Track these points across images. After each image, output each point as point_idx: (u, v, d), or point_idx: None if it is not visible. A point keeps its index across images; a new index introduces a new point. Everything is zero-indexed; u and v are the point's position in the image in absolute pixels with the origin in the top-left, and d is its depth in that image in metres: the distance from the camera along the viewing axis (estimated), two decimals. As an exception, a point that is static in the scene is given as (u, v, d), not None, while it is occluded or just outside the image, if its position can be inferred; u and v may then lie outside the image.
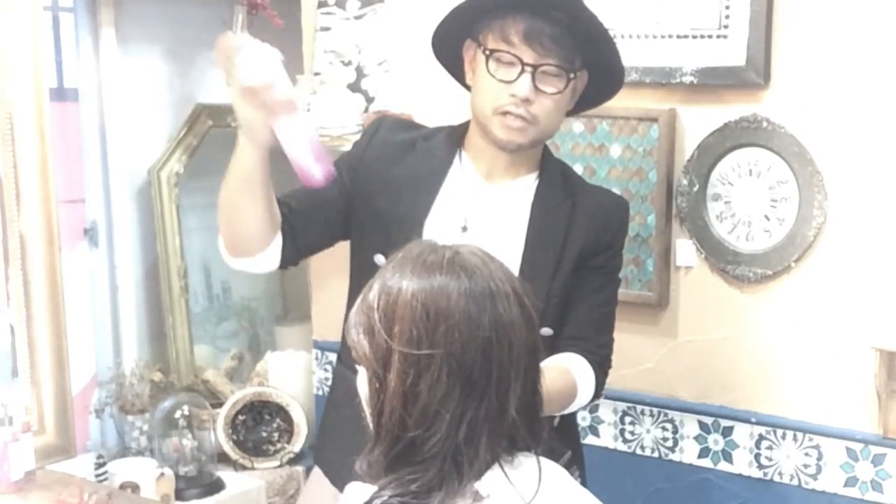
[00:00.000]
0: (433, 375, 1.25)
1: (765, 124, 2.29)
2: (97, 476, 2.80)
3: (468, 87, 1.96)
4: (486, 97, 1.84)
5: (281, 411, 3.15)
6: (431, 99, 2.78)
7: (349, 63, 2.85)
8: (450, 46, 1.94)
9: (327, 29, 2.88)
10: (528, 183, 1.93)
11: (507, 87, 1.81)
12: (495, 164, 1.91)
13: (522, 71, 1.80)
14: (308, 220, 1.94)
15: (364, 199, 1.93)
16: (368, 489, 1.30)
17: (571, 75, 1.84)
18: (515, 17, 1.80)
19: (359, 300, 1.34)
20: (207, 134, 3.24)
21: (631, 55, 2.44)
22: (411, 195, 1.90)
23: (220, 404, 3.12)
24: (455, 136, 1.95)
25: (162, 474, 2.79)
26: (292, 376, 3.21)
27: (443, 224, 1.88)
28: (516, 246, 1.88)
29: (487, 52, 1.82)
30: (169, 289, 3.18)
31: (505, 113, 1.82)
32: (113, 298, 3.10)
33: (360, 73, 2.83)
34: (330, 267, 3.06)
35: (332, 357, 3.09)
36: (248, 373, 3.32)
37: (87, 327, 3.01)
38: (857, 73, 2.20)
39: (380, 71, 2.81)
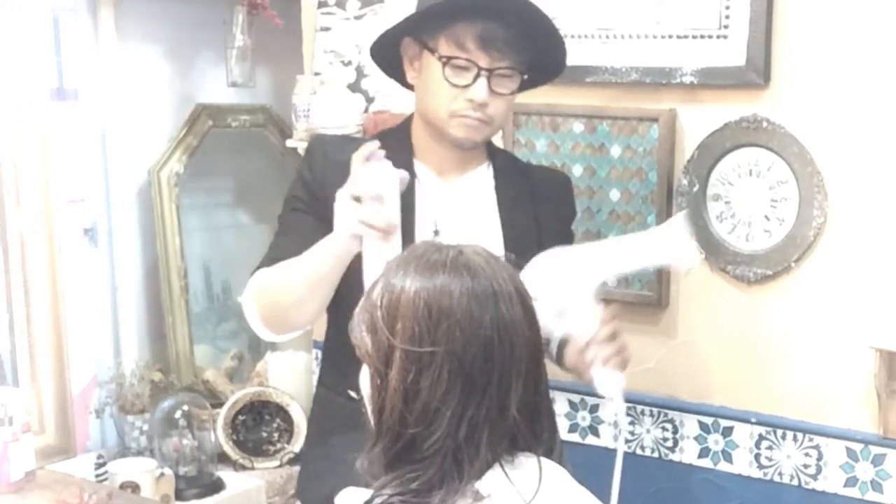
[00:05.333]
0: (434, 373, 1.25)
1: (765, 124, 2.29)
2: (97, 476, 2.80)
3: (408, 86, 1.97)
4: (440, 101, 1.86)
5: (281, 411, 3.15)
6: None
7: (349, 63, 2.85)
8: (386, 46, 1.94)
9: (327, 29, 2.88)
10: (482, 174, 1.98)
11: (462, 91, 1.84)
12: (447, 161, 1.94)
13: (478, 76, 1.82)
14: None
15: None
16: (363, 494, 1.31)
17: (525, 76, 1.89)
18: (469, 22, 1.81)
19: (363, 298, 1.34)
20: (207, 134, 3.24)
21: (631, 55, 2.44)
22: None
23: (220, 404, 3.12)
24: (404, 145, 1.95)
25: (162, 474, 2.79)
26: (292, 376, 3.21)
27: (419, 232, 1.89)
28: (494, 236, 1.92)
29: (444, 59, 1.83)
30: (169, 289, 3.18)
31: (462, 115, 1.85)
32: (113, 298, 3.10)
33: (360, 73, 2.83)
34: (330, 267, 3.06)
35: (332, 357, 3.09)
36: (248, 373, 3.32)
37: (87, 327, 3.00)
38: (858, 72, 2.20)
39: (380, 71, 2.81)
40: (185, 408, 2.98)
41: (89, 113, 2.99)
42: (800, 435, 2.34)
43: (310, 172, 1.97)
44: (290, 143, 2.92)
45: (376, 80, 2.81)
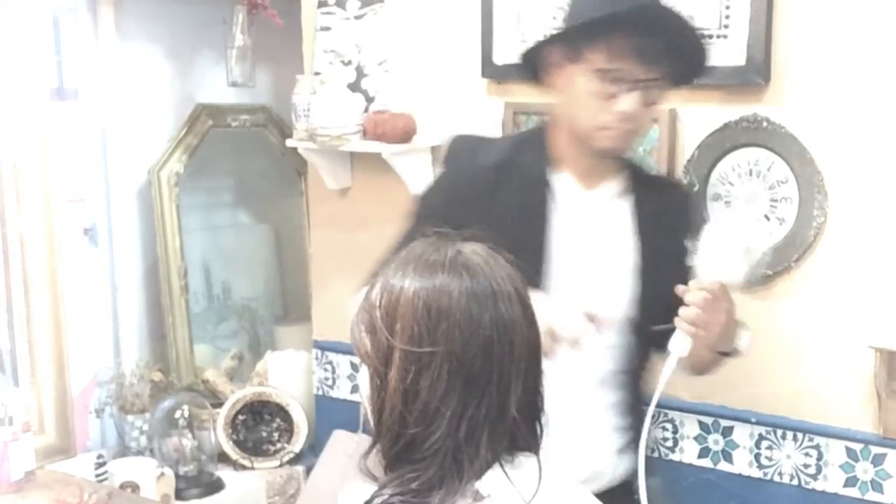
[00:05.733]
0: (434, 373, 1.25)
1: (765, 124, 2.29)
2: (97, 476, 2.80)
3: (539, 86, 1.96)
4: (588, 113, 1.83)
5: (281, 411, 3.15)
6: (431, 99, 2.79)
7: (349, 63, 2.85)
8: (533, 52, 1.92)
9: (327, 29, 2.88)
10: (622, 182, 1.96)
11: (611, 103, 1.81)
12: (590, 168, 1.91)
13: (631, 88, 1.80)
14: None
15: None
16: (368, 487, 1.30)
17: (669, 85, 1.87)
18: (625, 34, 1.78)
19: (362, 299, 1.34)
20: (207, 134, 3.24)
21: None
22: (523, 229, 1.88)
23: (220, 404, 3.12)
24: (539, 154, 1.93)
25: (162, 474, 2.79)
26: (292, 376, 3.21)
27: (555, 239, 1.88)
28: (628, 250, 1.92)
29: (599, 72, 1.80)
30: (169, 289, 3.18)
31: (610, 127, 1.83)
32: (113, 298, 3.10)
33: (360, 72, 2.83)
34: (330, 267, 3.06)
35: (333, 357, 3.10)
36: (248, 373, 3.32)
37: (87, 327, 3.00)
38: (858, 72, 2.20)
39: (380, 71, 2.81)
40: (185, 408, 2.99)
41: (89, 113, 2.99)
42: (800, 435, 2.34)
43: (446, 178, 1.98)
44: (290, 142, 2.92)
45: (376, 79, 2.81)
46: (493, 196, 1.90)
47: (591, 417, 1.97)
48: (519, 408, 1.29)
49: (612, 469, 1.98)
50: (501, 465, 1.29)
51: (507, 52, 2.61)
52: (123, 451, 2.99)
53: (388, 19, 2.80)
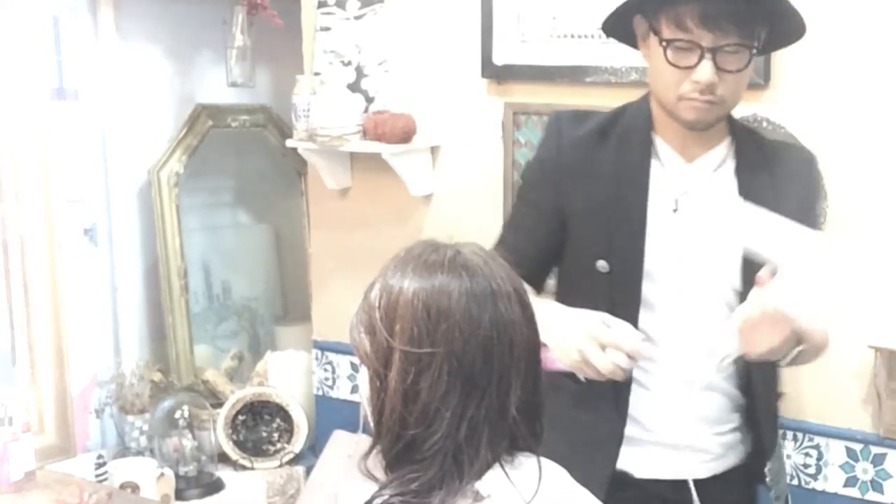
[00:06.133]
0: (434, 374, 1.25)
1: (765, 124, 2.29)
2: (97, 476, 2.80)
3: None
4: (667, 84, 1.76)
5: (281, 411, 3.15)
6: (431, 99, 2.79)
7: (349, 63, 2.85)
8: (619, 22, 1.84)
9: (327, 29, 2.88)
10: (723, 151, 1.85)
11: (687, 73, 1.72)
12: (687, 138, 1.82)
13: (702, 56, 1.70)
14: (545, 264, 1.93)
15: (574, 208, 1.87)
16: (368, 488, 1.30)
17: (754, 50, 1.74)
18: (689, 1, 1.69)
19: (361, 300, 1.34)
20: (207, 134, 3.24)
21: (631, 55, 2.43)
22: (623, 190, 1.83)
23: (220, 404, 3.12)
24: (642, 119, 1.86)
25: (162, 474, 2.79)
26: (292, 376, 3.21)
27: (655, 210, 1.82)
28: (733, 216, 1.78)
29: (664, 43, 1.73)
30: (169, 289, 3.18)
31: (689, 98, 1.74)
32: (113, 298, 3.10)
33: (360, 73, 2.83)
34: (330, 267, 3.06)
35: (332, 357, 3.10)
36: (248, 373, 3.32)
37: (87, 327, 3.01)
38: (858, 72, 2.20)
39: (380, 71, 2.81)
40: (185, 408, 2.99)
41: (89, 113, 2.99)
42: (800, 435, 2.33)
43: (545, 150, 1.92)
44: (290, 142, 2.92)
45: (376, 80, 2.81)
46: (593, 161, 1.85)
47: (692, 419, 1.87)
48: (519, 408, 1.29)
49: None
50: (501, 466, 1.28)
51: (507, 52, 2.61)
52: (123, 451, 2.99)
53: (388, 19, 2.80)
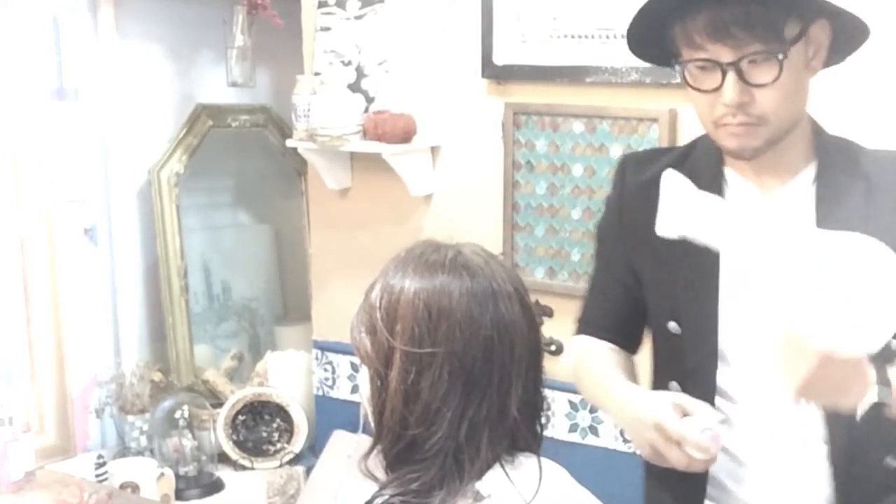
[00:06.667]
0: (434, 374, 1.25)
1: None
2: (97, 476, 2.80)
3: None
4: (701, 112, 1.56)
5: (281, 411, 3.15)
6: (431, 99, 2.79)
7: (349, 63, 2.85)
8: (650, 46, 1.63)
9: (327, 29, 2.88)
10: (807, 178, 1.59)
11: (716, 95, 1.51)
12: (758, 167, 1.58)
13: (723, 73, 1.49)
14: (633, 326, 1.77)
15: (640, 264, 1.70)
16: (368, 487, 1.30)
17: (780, 55, 1.48)
18: (694, 14, 1.49)
19: (362, 300, 1.34)
20: (207, 134, 3.24)
21: (631, 55, 2.44)
22: (689, 241, 1.62)
23: (220, 404, 3.12)
24: (713, 151, 1.63)
25: (162, 474, 2.79)
26: (292, 376, 3.21)
27: (726, 259, 1.60)
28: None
29: (680, 66, 1.54)
30: (169, 289, 3.18)
31: (724, 124, 1.53)
32: (113, 298, 3.10)
33: (360, 73, 2.83)
34: (330, 267, 3.06)
35: (333, 357, 3.10)
36: (248, 373, 3.32)
37: (87, 327, 3.01)
38: (857, 73, 2.20)
39: (380, 71, 2.81)
40: (185, 408, 2.99)
41: (89, 113, 2.99)
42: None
43: (610, 200, 1.77)
44: (290, 143, 2.92)
45: (376, 80, 2.81)
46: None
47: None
48: (519, 408, 1.29)
49: None
50: (502, 466, 1.29)
51: (508, 52, 2.61)
52: (123, 451, 2.99)
53: (388, 19, 2.80)
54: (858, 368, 1.37)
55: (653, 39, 1.59)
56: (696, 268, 1.62)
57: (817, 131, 1.63)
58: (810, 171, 1.59)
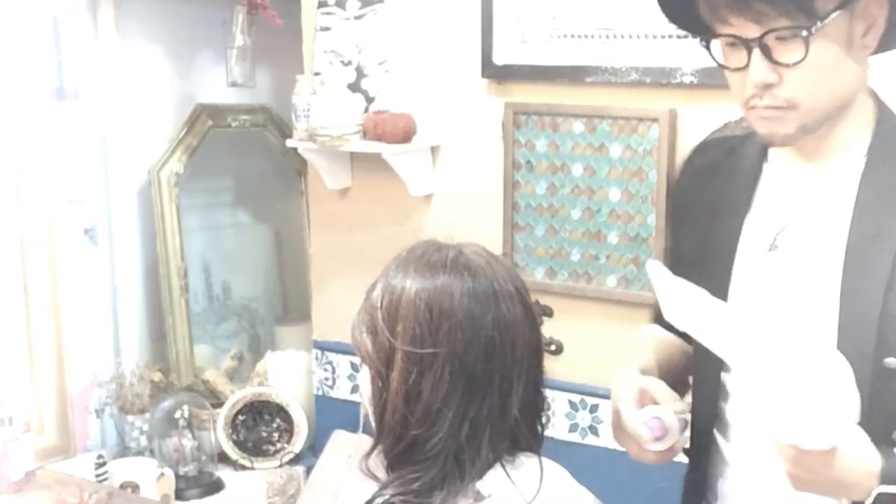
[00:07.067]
0: (436, 374, 1.25)
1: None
2: (97, 476, 2.80)
3: None
4: (734, 92, 1.44)
5: (281, 411, 3.15)
6: (431, 99, 2.79)
7: (349, 63, 2.85)
8: (687, 19, 1.49)
9: (327, 29, 2.88)
10: (856, 154, 1.44)
11: (745, 74, 1.38)
12: (804, 146, 1.45)
13: (749, 50, 1.36)
14: None
15: (680, 252, 1.65)
16: (368, 487, 1.30)
17: (804, 32, 1.33)
18: None
19: (363, 300, 1.34)
20: (207, 134, 3.24)
21: (631, 55, 2.44)
22: (714, 228, 1.54)
23: (220, 404, 3.12)
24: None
25: (162, 474, 2.79)
26: (292, 376, 3.21)
27: (747, 249, 1.51)
28: (836, 250, 1.42)
29: (704, 44, 1.43)
30: (169, 289, 3.18)
31: (754, 107, 1.41)
32: (113, 298, 3.10)
33: (360, 73, 2.83)
34: (330, 267, 3.06)
35: (333, 357, 3.10)
36: (248, 373, 3.32)
37: (87, 327, 3.01)
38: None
39: (380, 71, 2.81)
40: (185, 408, 2.99)
41: (89, 113, 2.99)
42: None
43: (679, 177, 1.70)
44: (290, 143, 2.92)
45: (376, 80, 2.81)
46: (700, 194, 1.59)
47: None
48: (520, 408, 1.29)
49: None
50: (503, 466, 1.29)
51: (507, 52, 2.61)
52: (123, 451, 2.99)
53: (388, 19, 2.80)
54: (834, 461, 1.26)
55: (687, 10, 1.45)
56: (713, 257, 1.54)
57: (883, 111, 1.47)
58: (862, 144, 1.44)
